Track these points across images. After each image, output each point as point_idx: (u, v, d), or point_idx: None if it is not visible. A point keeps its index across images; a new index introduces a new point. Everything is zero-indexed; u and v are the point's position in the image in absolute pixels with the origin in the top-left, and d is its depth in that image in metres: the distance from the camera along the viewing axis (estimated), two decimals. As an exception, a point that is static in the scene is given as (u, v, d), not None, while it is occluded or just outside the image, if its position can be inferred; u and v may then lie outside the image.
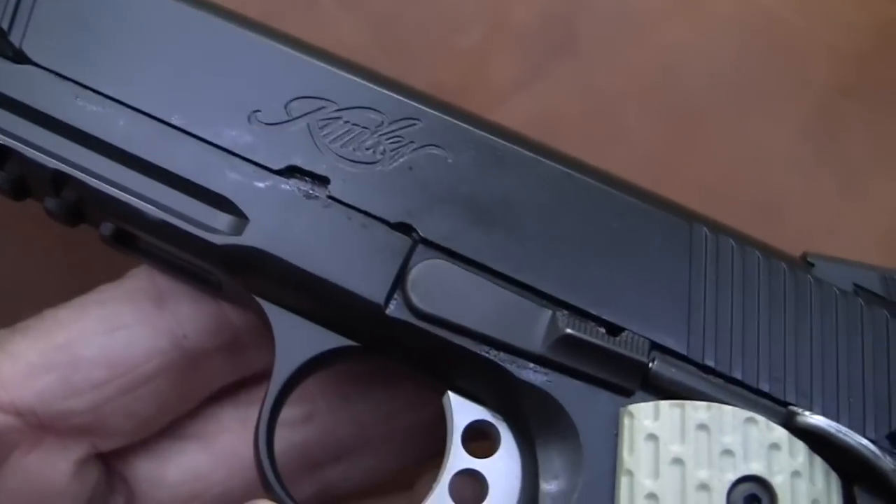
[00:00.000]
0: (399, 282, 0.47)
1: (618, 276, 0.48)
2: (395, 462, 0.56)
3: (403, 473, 0.55)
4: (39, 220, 0.51)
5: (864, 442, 0.45)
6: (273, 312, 0.48)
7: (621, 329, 0.47)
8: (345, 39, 0.61)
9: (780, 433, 0.45)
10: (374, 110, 0.49)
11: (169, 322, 0.51)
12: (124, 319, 0.50)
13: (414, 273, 0.47)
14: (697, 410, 0.45)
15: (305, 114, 0.48)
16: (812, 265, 0.49)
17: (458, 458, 0.47)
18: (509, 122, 0.51)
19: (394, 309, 0.47)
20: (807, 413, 0.46)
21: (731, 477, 0.45)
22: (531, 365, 0.47)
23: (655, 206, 0.49)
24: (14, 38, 0.48)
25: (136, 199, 0.47)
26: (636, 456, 0.45)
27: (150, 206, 0.47)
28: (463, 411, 0.48)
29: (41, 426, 0.49)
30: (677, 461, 0.45)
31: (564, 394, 0.46)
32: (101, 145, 0.48)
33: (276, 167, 0.48)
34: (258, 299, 0.48)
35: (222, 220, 0.47)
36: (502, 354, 0.47)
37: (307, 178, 0.48)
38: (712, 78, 0.64)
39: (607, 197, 0.49)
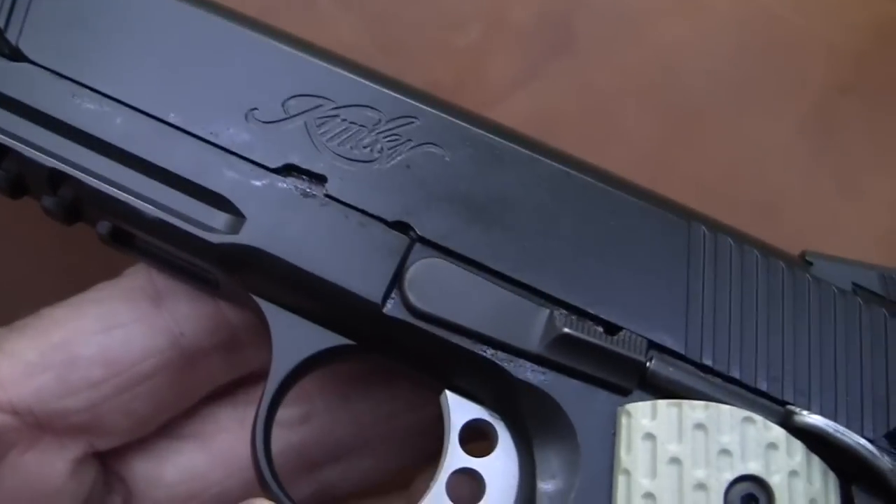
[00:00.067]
0: (396, 280, 0.47)
1: (616, 275, 0.47)
2: (393, 462, 0.56)
3: (401, 473, 0.55)
4: (37, 218, 0.51)
5: (862, 441, 0.45)
6: (270, 311, 0.48)
7: (619, 328, 0.47)
8: (342, 38, 0.61)
9: (778, 432, 0.45)
10: (372, 108, 0.48)
11: (166, 321, 0.51)
12: (121, 318, 0.50)
13: (411, 272, 0.47)
14: (695, 410, 0.45)
15: (303, 112, 0.48)
16: (811, 264, 0.49)
17: (455, 457, 0.47)
18: (507, 121, 0.51)
19: (391, 308, 0.47)
20: (805, 412, 0.46)
21: (729, 476, 0.45)
22: (529, 364, 0.46)
23: (654, 204, 0.49)
24: (11, 36, 0.48)
25: (132, 198, 0.47)
26: (633, 455, 0.45)
27: (146, 204, 0.47)
28: (460, 410, 0.48)
29: (38, 425, 0.49)
30: (675, 460, 0.45)
31: (562, 393, 0.46)
32: (98, 144, 0.48)
33: (273, 165, 0.48)
34: (255, 298, 0.48)
35: (219, 218, 0.47)
36: (500, 353, 0.47)
37: (304, 177, 0.48)
38: (711, 76, 0.64)
39: (605, 195, 0.49)
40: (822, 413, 0.46)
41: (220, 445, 0.53)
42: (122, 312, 0.50)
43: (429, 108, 0.49)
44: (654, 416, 0.45)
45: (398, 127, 0.48)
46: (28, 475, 0.50)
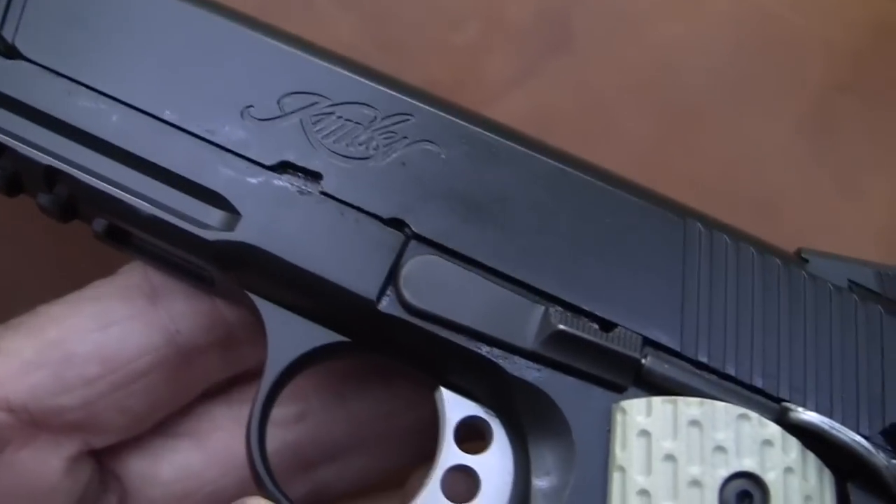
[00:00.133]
0: (391, 277, 0.47)
1: (611, 272, 0.47)
2: (389, 462, 0.56)
3: (397, 473, 0.55)
4: (33, 216, 0.51)
5: (858, 438, 0.45)
6: (265, 308, 0.48)
7: (614, 325, 0.47)
8: (340, 37, 0.61)
9: (773, 429, 0.45)
10: (368, 106, 0.48)
11: (162, 318, 0.50)
12: (117, 315, 0.50)
13: (406, 269, 0.47)
14: (690, 406, 0.45)
15: (298, 109, 0.48)
16: (806, 261, 0.49)
17: (450, 454, 0.47)
18: (504, 119, 0.51)
19: (386, 305, 0.47)
20: (800, 409, 0.45)
21: (724, 473, 0.44)
22: (524, 361, 0.46)
23: (649, 201, 0.49)
24: (7, 34, 0.48)
25: (128, 195, 0.47)
26: (628, 452, 0.45)
27: (142, 201, 0.47)
28: (455, 407, 0.48)
29: (34, 423, 0.49)
30: (669, 457, 0.45)
31: (557, 390, 0.46)
32: (94, 141, 0.48)
33: (268, 163, 0.48)
34: (250, 295, 0.48)
35: (214, 215, 0.47)
36: (495, 350, 0.46)
37: (300, 174, 0.48)
38: (709, 75, 0.64)
39: (601, 193, 0.49)
40: (817, 410, 0.46)
41: (215, 444, 0.53)
42: (118, 310, 0.50)
43: (424, 106, 0.49)
44: (649, 412, 0.45)
45: (394, 124, 0.48)
46: (23, 473, 0.49)
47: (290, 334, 0.48)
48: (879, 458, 0.45)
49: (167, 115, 0.48)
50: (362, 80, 0.49)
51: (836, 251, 0.51)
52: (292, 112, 0.48)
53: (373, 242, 0.47)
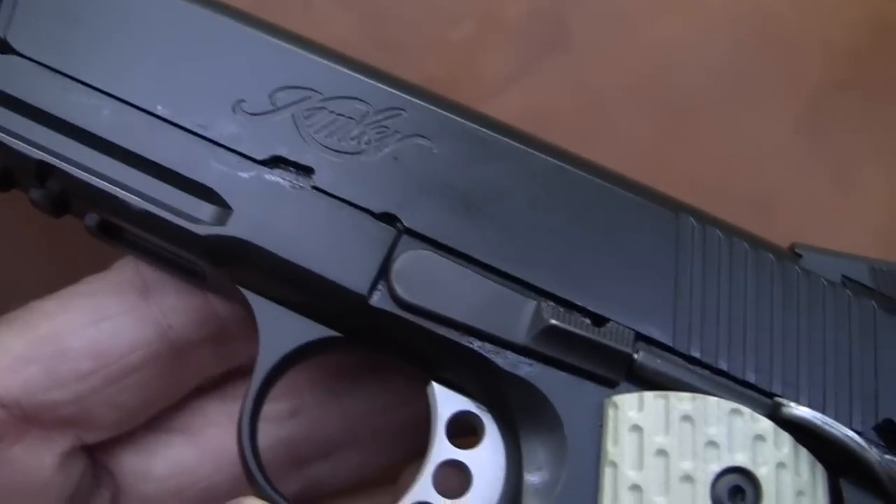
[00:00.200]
0: (383, 272, 0.47)
1: (603, 267, 0.47)
2: (382, 459, 0.55)
3: (390, 470, 0.55)
4: (27, 213, 0.51)
5: (851, 434, 0.45)
6: (257, 303, 0.48)
7: (606, 320, 0.47)
8: (337, 34, 0.61)
9: (766, 424, 0.45)
10: (360, 100, 0.48)
11: (154, 313, 0.50)
12: (110, 310, 0.50)
13: (398, 263, 0.47)
14: (682, 401, 0.45)
15: (290, 104, 0.48)
16: (800, 256, 0.49)
17: (442, 449, 0.47)
18: (500, 117, 0.51)
19: (378, 299, 0.46)
20: (793, 404, 0.45)
21: (716, 468, 0.44)
22: (516, 356, 0.46)
23: (642, 196, 0.49)
24: (-1, 29, 0.48)
25: (119, 190, 0.47)
26: (620, 447, 0.45)
27: (133, 196, 0.47)
28: (447, 402, 0.48)
29: (26, 418, 0.49)
30: (661, 452, 0.44)
31: (549, 385, 0.46)
32: (86, 135, 0.48)
33: (260, 157, 0.48)
34: (242, 290, 0.48)
35: (206, 210, 0.47)
36: (487, 345, 0.46)
37: (292, 169, 0.48)
38: (705, 73, 0.64)
39: (593, 187, 0.48)
40: (810, 405, 0.46)
41: (208, 440, 0.53)
42: (111, 305, 0.50)
43: (417, 101, 0.49)
44: (640, 407, 0.45)
45: (386, 119, 0.48)
46: (15, 468, 0.49)
47: (281, 329, 0.48)
48: (872, 453, 0.44)
49: (159, 110, 0.48)
50: (354, 74, 0.49)
51: (833, 249, 0.50)
52: (284, 107, 0.48)
53: (364, 237, 0.47)
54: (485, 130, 0.49)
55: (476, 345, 0.46)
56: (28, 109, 0.48)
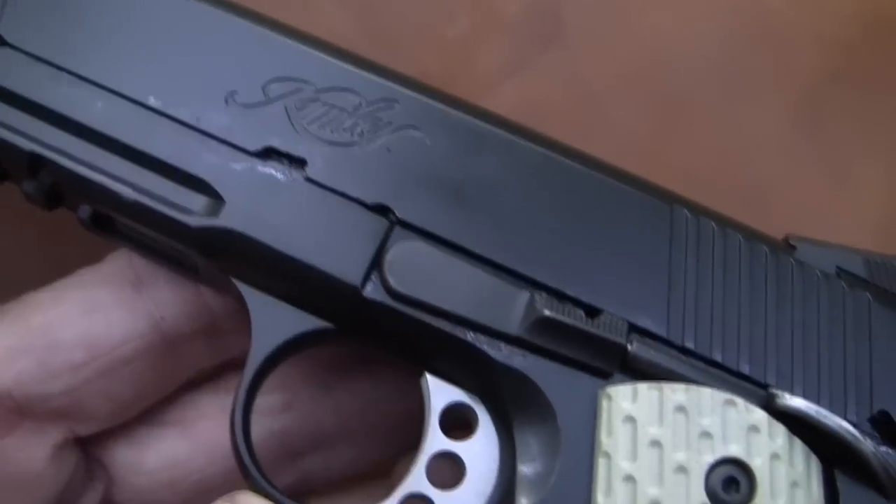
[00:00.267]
0: (376, 263, 0.46)
1: (597, 258, 0.47)
2: (376, 451, 0.55)
3: (383, 463, 0.55)
4: (18, 203, 0.51)
5: (845, 425, 0.45)
6: (249, 294, 0.48)
7: (600, 311, 0.46)
8: (333, 28, 0.60)
9: (760, 415, 0.45)
10: (352, 92, 0.48)
11: (147, 305, 0.50)
12: (103, 302, 0.50)
13: (391, 255, 0.47)
14: (676, 392, 0.45)
15: (283, 95, 0.48)
16: (794, 248, 0.49)
17: (435, 441, 0.47)
18: (496, 111, 0.50)
19: (370, 291, 0.46)
20: (787, 395, 0.45)
21: (710, 459, 0.44)
22: (509, 347, 0.46)
23: (636, 187, 0.49)
24: (-9, 21, 0.48)
25: (111, 181, 0.47)
26: (614, 438, 0.45)
27: (125, 187, 0.47)
28: (440, 393, 0.48)
29: (18, 410, 0.49)
30: (655, 443, 0.44)
31: (542, 376, 0.46)
32: (78, 127, 0.47)
33: (252, 149, 0.47)
34: (235, 281, 0.48)
35: (198, 201, 0.47)
36: (480, 336, 0.46)
37: (284, 160, 0.47)
38: (700, 66, 0.64)
39: (587, 179, 0.48)
40: (804, 396, 0.45)
41: (201, 432, 0.53)
42: (104, 297, 0.50)
43: (410, 92, 0.49)
44: (634, 398, 0.45)
45: (379, 110, 0.48)
46: (7, 461, 0.49)
47: (274, 321, 0.47)
48: (867, 444, 0.44)
49: (151, 102, 0.48)
50: (347, 66, 0.49)
51: (828, 241, 0.50)
52: (277, 98, 0.48)
53: (357, 228, 0.47)
54: (478, 122, 0.48)
55: (469, 336, 0.46)
56: (20, 101, 0.48)
